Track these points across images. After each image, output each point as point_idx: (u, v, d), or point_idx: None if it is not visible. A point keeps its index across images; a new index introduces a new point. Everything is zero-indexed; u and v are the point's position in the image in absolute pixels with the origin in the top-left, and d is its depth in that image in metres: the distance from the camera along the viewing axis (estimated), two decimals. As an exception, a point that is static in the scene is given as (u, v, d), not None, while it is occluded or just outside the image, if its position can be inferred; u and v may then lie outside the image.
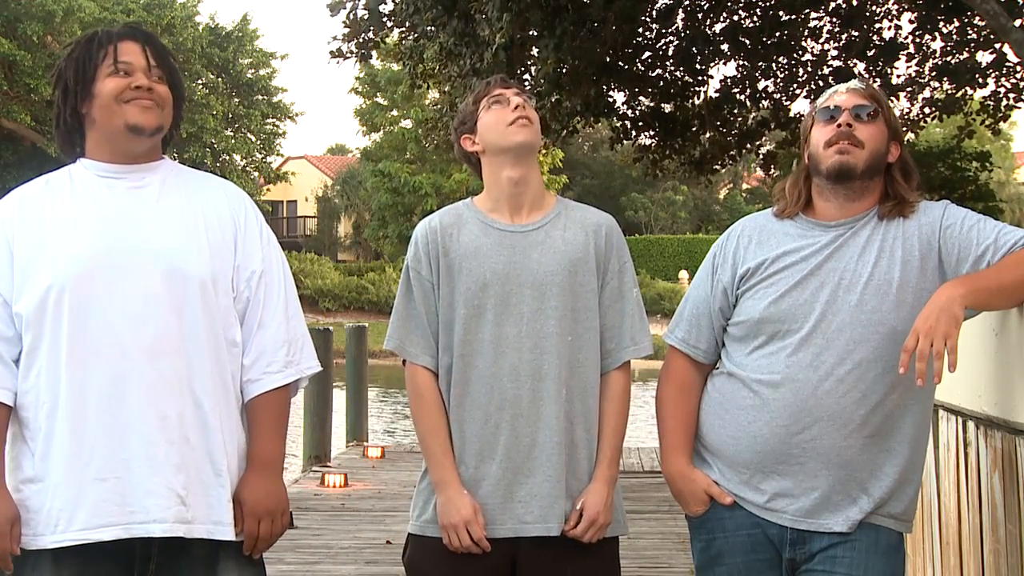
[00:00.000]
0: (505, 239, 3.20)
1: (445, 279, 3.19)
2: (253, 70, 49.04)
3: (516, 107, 3.21)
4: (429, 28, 13.00)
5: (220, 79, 47.81)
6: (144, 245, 2.83)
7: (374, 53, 15.46)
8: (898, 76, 14.83)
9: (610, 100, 14.32)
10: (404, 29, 14.22)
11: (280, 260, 3.01)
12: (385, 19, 14.30)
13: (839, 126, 2.99)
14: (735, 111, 14.89)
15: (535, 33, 12.38)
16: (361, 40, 14.44)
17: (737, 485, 3.05)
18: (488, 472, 3.15)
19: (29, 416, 2.81)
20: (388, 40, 15.23)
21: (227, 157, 48.17)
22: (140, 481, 2.76)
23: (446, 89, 14.34)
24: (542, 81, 12.69)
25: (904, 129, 14.55)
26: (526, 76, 13.06)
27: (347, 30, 14.32)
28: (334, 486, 10.67)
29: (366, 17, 14.07)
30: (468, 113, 3.28)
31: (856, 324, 2.92)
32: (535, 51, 12.77)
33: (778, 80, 14.79)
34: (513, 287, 3.16)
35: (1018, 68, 14.13)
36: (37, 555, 2.79)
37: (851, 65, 14.52)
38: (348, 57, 14.65)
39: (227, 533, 2.85)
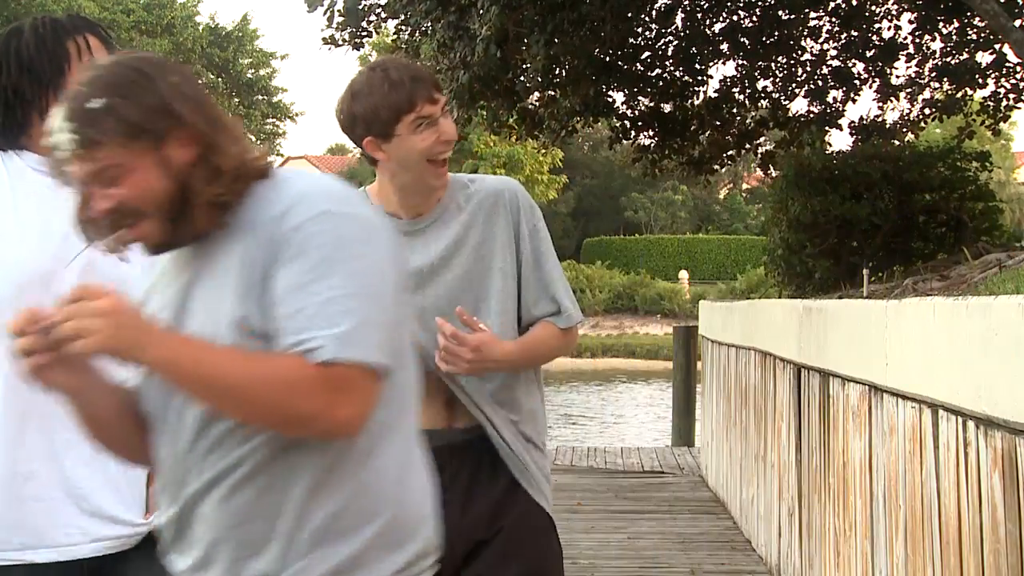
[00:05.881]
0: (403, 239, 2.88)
1: None
2: (253, 70, 49.13)
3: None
4: (426, 24, 12.98)
5: (220, 79, 47.88)
6: None
7: (367, 44, 15.49)
8: (898, 76, 14.82)
9: (609, 100, 14.30)
10: (399, 22, 14.22)
11: None
12: (380, 10, 14.31)
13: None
14: (734, 111, 14.88)
15: (527, 29, 12.35)
16: (354, 30, 14.47)
17: None
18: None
19: None
20: (383, 34, 15.25)
21: (227, 157, 48.19)
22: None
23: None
24: (537, 78, 12.69)
25: (904, 130, 14.60)
26: (522, 75, 13.05)
27: (340, 19, 14.35)
28: (333, 486, 10.65)
29: (342, 10, 14.08)
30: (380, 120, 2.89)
31: None
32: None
33: (777, 80, 14.78)
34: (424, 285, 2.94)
35: (1018, 68, 14.12)
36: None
37: (850, 65, 14.52)
38: (340, 45, 14.70)
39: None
